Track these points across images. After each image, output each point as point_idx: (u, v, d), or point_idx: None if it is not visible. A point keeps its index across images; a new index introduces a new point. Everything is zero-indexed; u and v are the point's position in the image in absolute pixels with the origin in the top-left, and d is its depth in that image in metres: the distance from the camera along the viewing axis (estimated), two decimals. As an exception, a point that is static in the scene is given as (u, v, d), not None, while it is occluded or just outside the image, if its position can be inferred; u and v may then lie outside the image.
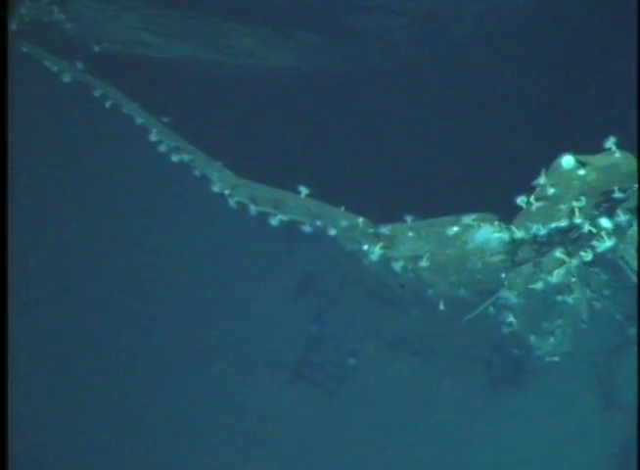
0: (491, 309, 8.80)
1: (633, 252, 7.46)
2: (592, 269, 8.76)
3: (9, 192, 7.36)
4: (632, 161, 6.48)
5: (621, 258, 7.54)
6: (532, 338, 8.97)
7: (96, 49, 9.06)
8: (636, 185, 6.83)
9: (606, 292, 8.99)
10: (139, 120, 8.21)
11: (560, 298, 8.49)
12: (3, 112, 7.88)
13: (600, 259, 8.40)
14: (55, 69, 8.52)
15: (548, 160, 6.22)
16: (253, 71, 9.58)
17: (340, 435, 11.54)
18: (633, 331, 10.03)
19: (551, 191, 6.41)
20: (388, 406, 11.44)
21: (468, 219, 6.78)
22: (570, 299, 7.91)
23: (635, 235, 7.51)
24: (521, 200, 6.49)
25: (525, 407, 10.98)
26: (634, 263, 7.49)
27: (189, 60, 9.55)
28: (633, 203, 7.05)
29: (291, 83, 9.40)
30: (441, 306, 8.75)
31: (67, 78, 8.53)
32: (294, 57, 9.85)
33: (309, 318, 11.80)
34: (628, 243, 7.50)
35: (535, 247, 7.31)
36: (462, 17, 9.96)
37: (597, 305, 8.94)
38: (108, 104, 8.39)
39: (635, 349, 10.46)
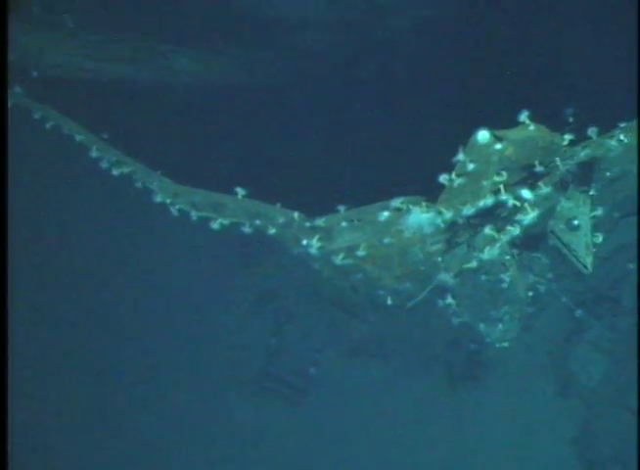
0: (440, 302, 8.99)
1: (563, 226, 7.69)
2: (534, 254, 9.01)
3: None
4: (546, 133, 6.74)
5: (552, 232, 7.76)
6: (482, 326, 9.16)
7: (34, 74, 9.24)
8: (557, 158, 7.09)
9: (549, 275, 9.20)
10: (79, 138, 8.37)
11: (504, 285, 8.70)
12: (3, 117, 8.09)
13: (539, 243, 8.67)
14: (-7, 95, 8.67)
15: (466, 136, 6.44)
16: (189, 88, 9.82)
17: (307, 443, 11.58)
18: (580, 313, 10.24)
19: (471, 167, 6.63)
20: (352, 412, 11.51)
21: (396, 203, 6.98)
22: (506, 277, 8.09)
23: (564, 211, 7.77)
24: (443, 178, 6.71)
25: (486, 400, 11.10)
26: (565, 237, 7.71)
27: (127, 81, 9.77)
28: (556, 177, 7.31)
29: (222, 95, 9.67)
30: (389, 301, 8.98)
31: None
32: (228, 73, 10.14)
33: (268, 332, 11.90)
34: (558, 218, 7.75)
35: (467, 228, 7.52)
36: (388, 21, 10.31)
37: (541, 288, 9.16)
38: (48, 125, 8.54)
39: (587, 334, 10.69)
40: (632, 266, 10.42)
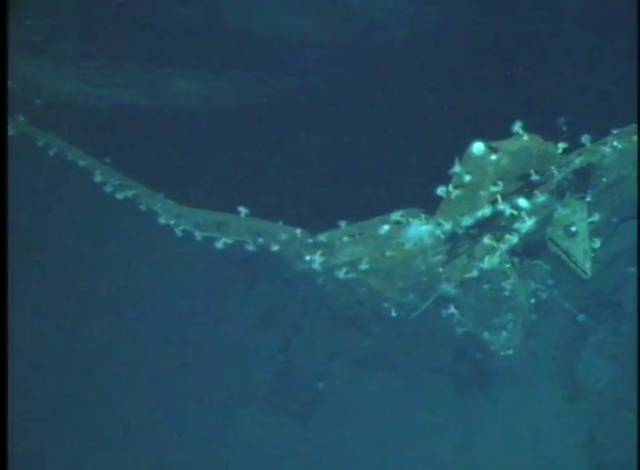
0: (443, 313, 9.11)
1: (561, 233, 7.82)
2: (534, 262, 9.13)
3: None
4: (540, 143, 6.88)
5: (551, 240, 7.89)
6: (486, 334, 9.27)
7: (37, 102, 9.42)
8: (552, 166, 7.23)
9: (550, 282, 9.32)
10: (83, 164, 8.54)
11: (506, 293, 8.82)
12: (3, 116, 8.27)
13: (539, 251, 8.80)
14: (-3, 124, 8.83)
15: (461, 148, 6.59)
16: (190, 110, 9.99)
17: (317, 458, 11.65)
18: (583, 318, 10.35)
19: (467, 178, 6.77)
20: (361, 424, 11.59)
21: (396, 216, 7.11)
22: (507, 285, 8.21)
23: (561, 218, 7.90)
24: (441, 190, 6.85)
25: (493, 408, 11.18)
26: (564, 244, 7.84)
27: (127, 105, 9.94)
28: (552, 185, 7.44)
29: (222, 115, 9.84)
30: (393, 314, 9.10)
31: (11, 132, 8.86)
32: (228, 93, 10.31)
33: (275, 348, 12.00)
34: (556, 225, 7.89)
35: (467, 238, 7.65)
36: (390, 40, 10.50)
37: (543, 295, 9.27)
38: (52, 152, 8.72)
39: (591, 339, 10.79)
40: (634, 270, 10.54)
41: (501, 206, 7.12)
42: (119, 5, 10.14)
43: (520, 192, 7.24)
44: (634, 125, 7.39)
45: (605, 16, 8.62)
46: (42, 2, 9.75)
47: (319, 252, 7.57)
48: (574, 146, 7.21)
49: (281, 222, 7.66)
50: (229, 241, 7.90)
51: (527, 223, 7.04)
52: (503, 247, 7.39)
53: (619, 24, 8.49)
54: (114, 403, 11.95)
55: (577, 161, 7.43)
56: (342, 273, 7.87)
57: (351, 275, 7.97)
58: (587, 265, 7.72)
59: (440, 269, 8.04)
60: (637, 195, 8.69)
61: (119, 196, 8.32)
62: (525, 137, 6.69)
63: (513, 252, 8.02)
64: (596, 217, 7.98)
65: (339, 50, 10.49)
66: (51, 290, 11.84)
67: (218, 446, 11.93)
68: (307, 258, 7.73)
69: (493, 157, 6.69)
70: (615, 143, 7.30)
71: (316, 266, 7.66)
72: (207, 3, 10.28)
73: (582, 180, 7.95)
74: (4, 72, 8.55)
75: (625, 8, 8.65)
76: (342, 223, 7.39)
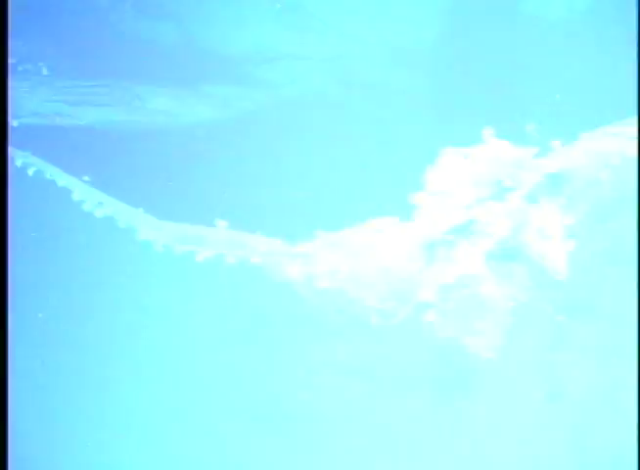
0: (423, 319, 9.20)
1: (535, 236, 7.95)
2: (511, 265, 9.25)
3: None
4: (512, 148, 7.01)
5: (526, 243, 8.02)
6: (467, 339, 9.36)
7: (14, 124, 9.47)
8: (524, 172, 7.36)
9: (528, 284, 9.43)
10: (61, 183, 8.59)
11: (485, 297, 8.93)
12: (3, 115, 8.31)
13: (515, 254, 8.92)
14: (-28, 145, 8.87)
15: (433, 156, 6.71)
16: (166, 126, 10.06)
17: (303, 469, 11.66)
18: (562, 319, 10.46)
19: (441, 185, 6.88)
20: (346, 433, 11.60)
21: (373, 224, 7.22)
22: (485, 289, 8.32)
23: (535, 222, 8.04)
24: (416, 197, 6.96)
25: (477, 412, 11.23)
26: (538, 247, 7.97)
27: (104, 123, 9.99)
28: (524, 190, 7.58)
29: (198, 131, 9.91)
30: (374, 321, 9.19)
31: (-12, 153, 8.89)
32: (206, 110, 10.38)
33: (258, 359, 12.00)
34: (530, 229, 8.02)
35: (443, 244, 7.77)
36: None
37: (522, 298, 9.37)
38: (30, 172, 8.76)
39: (571, 340, 10.90)
40: (611, 270, 10.67)
41: (475, 211, 7.24)
42: (94, 23, 10.20)
43: (492, 197, 7.36)
44: (603, 128, 7.54)
45: (573, 24, 8.79)
46: (16, 22, 9.80)
47: (298, 262, 7.66)
48: (545, 150, 7.33)
49: (259, 234, 7.74)
50: (209, 254, 7.97)
51: (502, 228, 7.16)
52: (479, 252, 7.50)
53: (588, 32, 8.65)
54: (99, 414, 11.92)
55: (549, 165, 7.56)
56: (321, 283, 7.96)
57: (331, 284, 8.06)
58: (562, 268, 7.85)
59: (419, 276, 8.14)
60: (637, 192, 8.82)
61: (99, 213, 8.38)
62: (497, 143, 6.81)
63: (489, 256, 8.13)
64: (570, 220, 8.10)
65: (314, 64, 10.59)
66: (32, 307, 11.82)
67: (202, 460, 11.91)
68: (287, 268, 7.82)
69: (465, 163, 6.81)
70: (585, 146, 7.44)
71: (296, 277, 7.74)
72: (181, 19, 10.37)
73: (555, 184, 8.08)
74: (4, 79, 8.60)
75: (595, 15, 8.83)
76: (321, 233, 7.48)
